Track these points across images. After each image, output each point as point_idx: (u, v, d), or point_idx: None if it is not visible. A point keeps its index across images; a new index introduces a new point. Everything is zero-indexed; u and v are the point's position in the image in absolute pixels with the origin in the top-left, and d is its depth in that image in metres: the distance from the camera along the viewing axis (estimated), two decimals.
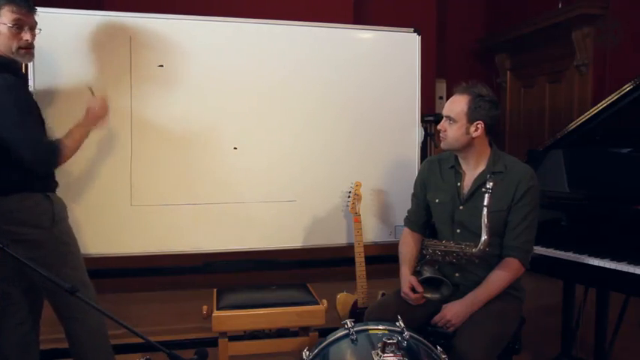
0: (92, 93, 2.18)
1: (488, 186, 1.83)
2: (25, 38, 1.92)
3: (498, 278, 1.92)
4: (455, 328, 1.89)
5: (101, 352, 2.13)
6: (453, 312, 1.90)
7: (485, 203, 1.83)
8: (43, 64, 2.17)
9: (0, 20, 1.87)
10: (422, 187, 2.17)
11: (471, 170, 2.03)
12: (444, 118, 2.00)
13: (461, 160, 2.06)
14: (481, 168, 2.01)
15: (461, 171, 2.06)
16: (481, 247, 1.86)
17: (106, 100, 2.15)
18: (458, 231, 2.02)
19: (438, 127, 2.02)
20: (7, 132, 1.86)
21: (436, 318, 1.93)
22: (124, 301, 3.69)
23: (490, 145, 2.03)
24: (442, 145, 2.04)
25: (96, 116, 2.11)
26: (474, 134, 1.95)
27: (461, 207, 2.01)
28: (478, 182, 1.98)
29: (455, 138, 1.97)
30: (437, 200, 2.09)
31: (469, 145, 1.98)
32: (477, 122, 1.94)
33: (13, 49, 1.91)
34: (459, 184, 2.04)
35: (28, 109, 1.93)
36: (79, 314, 2.06)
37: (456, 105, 1.97)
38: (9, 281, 2.03)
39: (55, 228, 2.02)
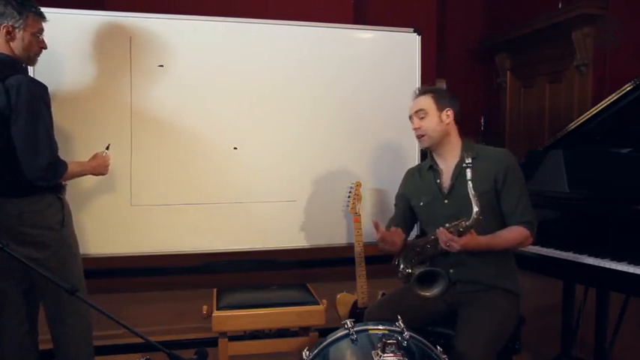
0: (107, 148, 2.26)
1: (467, 161, 1.84)
2: (42, 45, 2.02)
3: (507, 232, 1.92)
4: (450, 250, 1.86)
5: (86, 356, 2.13)
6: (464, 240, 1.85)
7: (469, 177, 1.83)
8: (43, 64, 2.15)
9: (26, 29, 1.94)
10: (402, 199, 2.20)
11: (447, 164, 2.06)
12: (414, 117, 2.06)
13: (437, 157, 2.09)
14: (456, 160, 2.04)
15: (438, 169, 2.09)
16: (474, 217, 1.82)
17: (109, 159, 2.24)
18: (447, 225, 2.00)
19: (413, 127, 2.07)
20: (26, 135, 1.86)
21: (443, 235, 1.86)
22: (124, 301, 3.69)
23: (460, 136, 2.08)
24: (421, 143, 2.08)
25: (97, 170, 2.19)
26: (447, 121, 2.02)
27: (445, 201, 2.03)
28: (456, 173, 2.01)
29: (432, 128, 2.02)
30: (421, 203, 2.10)
31: (446, 134, 2.04)
32: (446, 109, 2.02)
33: (32, 55, 2.00)
34: (438, 180, 2.07)
35: (51, 118, 1.96)
36: (70, 319, 2.06)
37: (422, 101, 2.06)
38: (8, 281, 2.02)
39: (64, 230, 2.04)
